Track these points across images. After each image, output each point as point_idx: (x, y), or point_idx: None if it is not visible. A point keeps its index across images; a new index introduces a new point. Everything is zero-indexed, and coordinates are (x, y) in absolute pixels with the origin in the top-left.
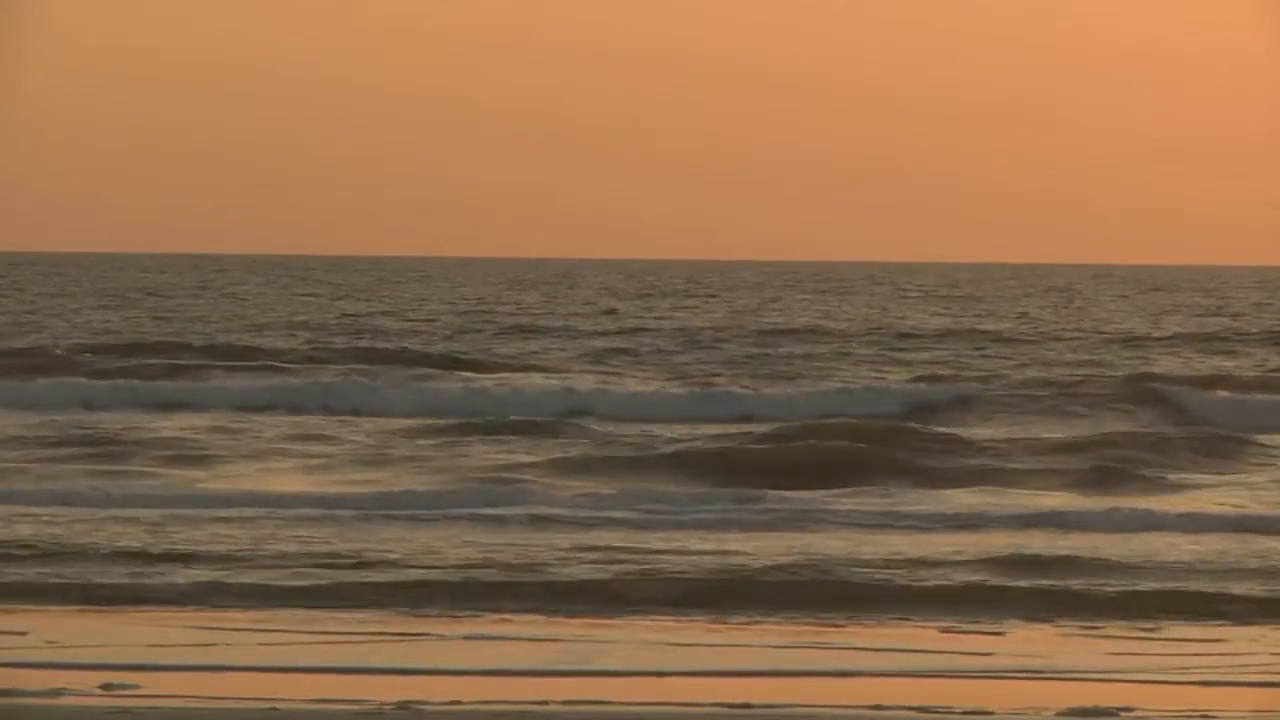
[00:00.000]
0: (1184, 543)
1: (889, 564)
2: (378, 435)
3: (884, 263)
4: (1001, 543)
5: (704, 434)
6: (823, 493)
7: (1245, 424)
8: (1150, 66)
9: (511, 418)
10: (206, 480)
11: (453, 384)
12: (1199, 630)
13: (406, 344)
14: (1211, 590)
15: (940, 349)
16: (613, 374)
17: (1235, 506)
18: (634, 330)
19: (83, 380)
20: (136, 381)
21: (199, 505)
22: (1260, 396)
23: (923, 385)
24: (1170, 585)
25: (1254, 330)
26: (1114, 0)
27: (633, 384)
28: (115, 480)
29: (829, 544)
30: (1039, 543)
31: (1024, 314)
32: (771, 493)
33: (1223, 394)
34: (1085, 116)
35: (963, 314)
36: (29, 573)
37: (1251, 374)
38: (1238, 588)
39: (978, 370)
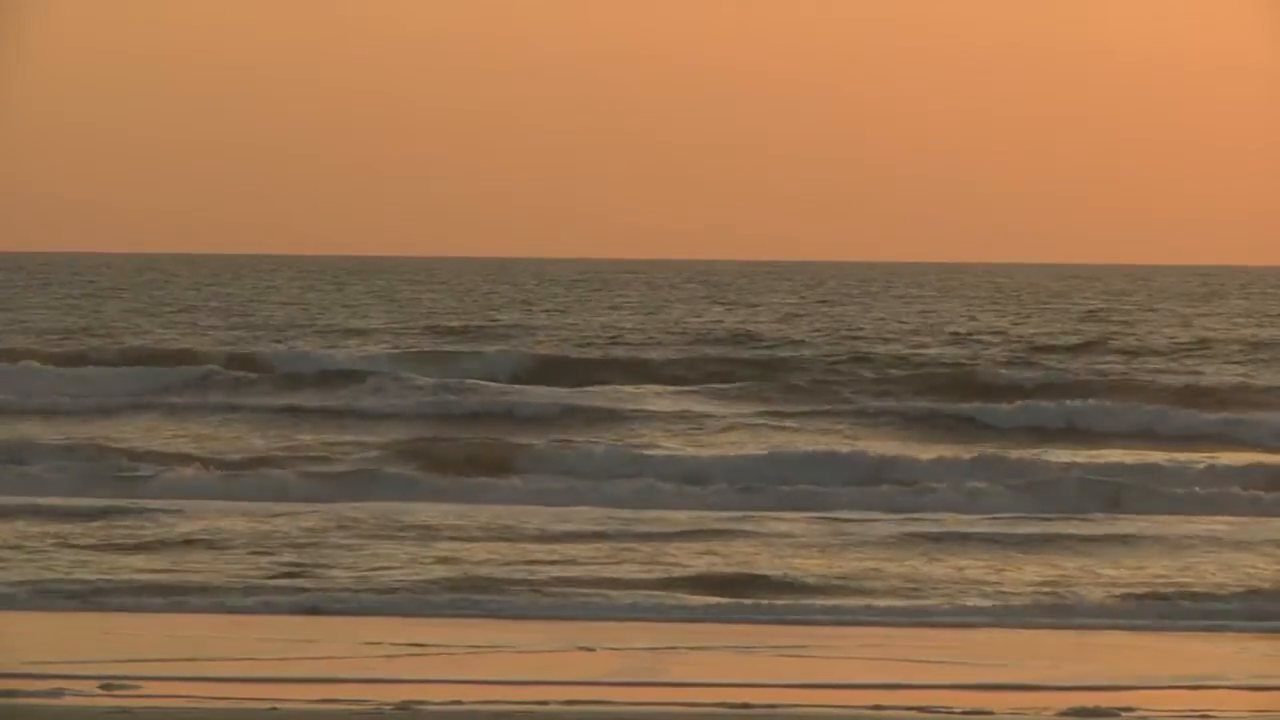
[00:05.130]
0: None
1: None
2: None
3: (879, 263)
4: None
5: None
6: None
7: None
8: (1150, 67)
9: None
10: None
11: None
12: (1199, 633)
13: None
14: None
15: None
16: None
17: None
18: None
19: None
20: None
21: None
22: None
23: None
24: None
25: None
26: (1113, 2)
27: None
28: None
29: None
30: None
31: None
32: None
33: None
34: (1088, 118)
35: None
36: None
37: None
38: None
39: None
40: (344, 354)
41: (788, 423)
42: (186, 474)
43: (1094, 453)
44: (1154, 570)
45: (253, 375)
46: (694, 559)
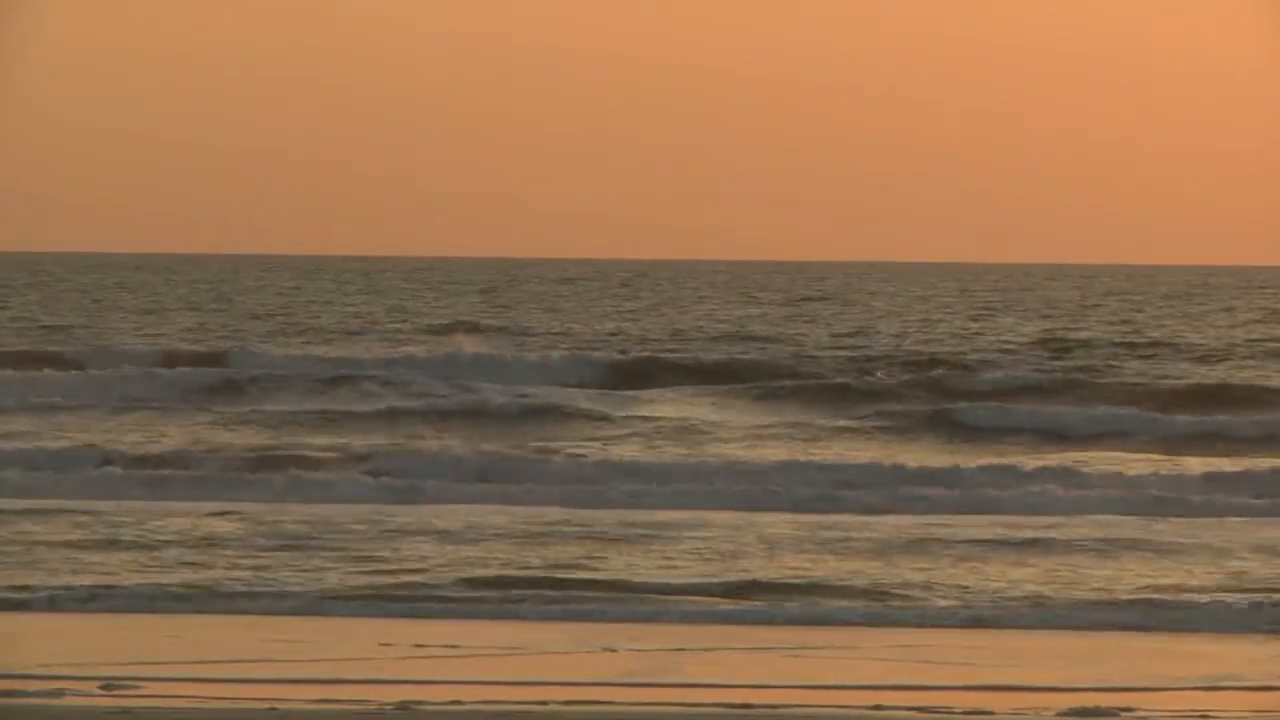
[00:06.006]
0: None
1: None
2: None
3: (879, 263)
4: None
5: None
6: None
7: None
8: (1150, 68)
9: None
10: None
11: None
12: (1199, 633)
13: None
14: None
15: None
16: None
17: None
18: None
19: None
20: None
21: None
22: None
23: None
24: None
25: None
26: (1112, 2)
27: None
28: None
29: None
30: None
31: None
32: None
33: None
34: (1088, 118)
35: None
36: None
37: None
38: None
39: None
40: (344, 354)
41: (789, 424)
42: (183, 474)
43: (1093, 454)
44: (1154, 571)
45: (249, 376)
46: (696, 561)
